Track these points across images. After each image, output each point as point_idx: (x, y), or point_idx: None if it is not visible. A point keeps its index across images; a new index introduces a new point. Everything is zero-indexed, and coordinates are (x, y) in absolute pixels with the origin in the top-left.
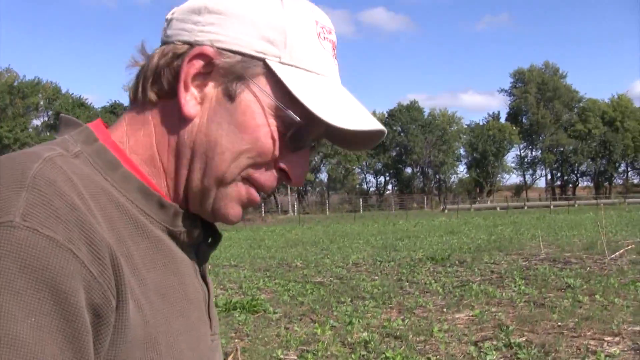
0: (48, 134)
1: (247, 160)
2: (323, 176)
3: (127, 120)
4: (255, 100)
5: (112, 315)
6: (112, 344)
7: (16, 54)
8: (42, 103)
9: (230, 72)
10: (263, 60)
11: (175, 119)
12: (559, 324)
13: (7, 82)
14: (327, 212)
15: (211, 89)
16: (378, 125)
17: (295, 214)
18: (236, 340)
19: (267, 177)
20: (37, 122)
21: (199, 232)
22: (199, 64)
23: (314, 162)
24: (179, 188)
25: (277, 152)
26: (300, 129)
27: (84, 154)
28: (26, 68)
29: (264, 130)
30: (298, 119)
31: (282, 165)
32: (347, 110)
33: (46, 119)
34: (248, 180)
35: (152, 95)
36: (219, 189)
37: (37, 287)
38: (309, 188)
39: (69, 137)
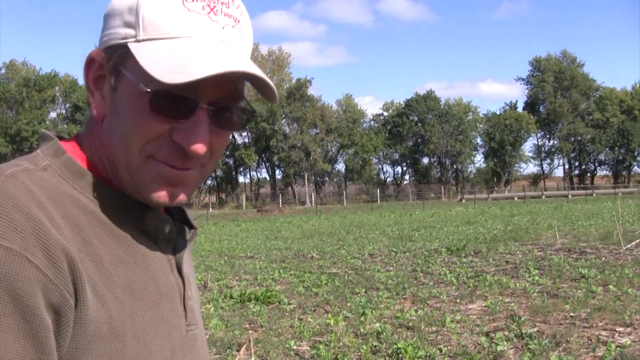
0: (65, 125)
1: (137, 141)
2: (340, 166)
3: (85, 134)
4: (128, 84)
5: (71, 313)
6: (72, 337)
7: (33, 47)
8: (58, 95)
9: (110, 66)
10: (126, 45)
11: (98, 125)
12: (572, 314)
13: (24, 75)
14: (345, 203)
15: (106, 87)
16: (221, 69)
17: (313, 204)
18: (250, 332)
19: (165, 152)
20: (53, 114)
21: (171, 228)
22: (93, 69)
23: (330, 153)
24: (128, 185)
25: (158, 127)
26: (157, 96)
27: (52, 167)
28: (43, 61)
29: (136, 109)
30: (145, 88)
31: (174, 137)
32: (197, 63)
33: (63, 111)
34: (155, 159)
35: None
36: (134, 176)
37: None
38: (327, 179)
39: (40, 152)
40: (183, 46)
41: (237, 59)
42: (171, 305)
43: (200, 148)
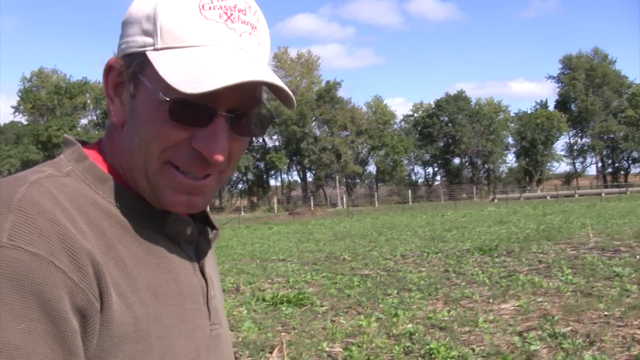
0: (97, 132)
1: (156, 148)
2: (371, 168)
3: (106, 140)
4: (147, 92)
5: (97, 316)
6: (99, 340)
7: (63, 55)
8: (89, 102)
9: (128, 74)
10: (145, 53)
11: (118, 131)
12: (606, 313)
13: (55, 83)
14: (376, 204)
15: (125, 94)
16: (239, 79)
17: (344, 206)
18: (282, 334)
19: (184, 158)
20: (84, 120)
21: (192, 230)
22: (112, 76)
23: (361, 154)
24: (145, 192)
25: (177, 134)
26: (176, 104)
27: (75, 172)
28: (74, 69)
29: (155, 117)
30: (164, 96)
31: (193, 144)
32: (215, 72)
33: (94, 117)
34: (172, 165)
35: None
36: (152, 182)
37: (24, 297)
38: (358, 180)
39: (64, 157)
40: (201, 55)
41: (254, 67)
42: (195, 306)
43: (220, 156)
